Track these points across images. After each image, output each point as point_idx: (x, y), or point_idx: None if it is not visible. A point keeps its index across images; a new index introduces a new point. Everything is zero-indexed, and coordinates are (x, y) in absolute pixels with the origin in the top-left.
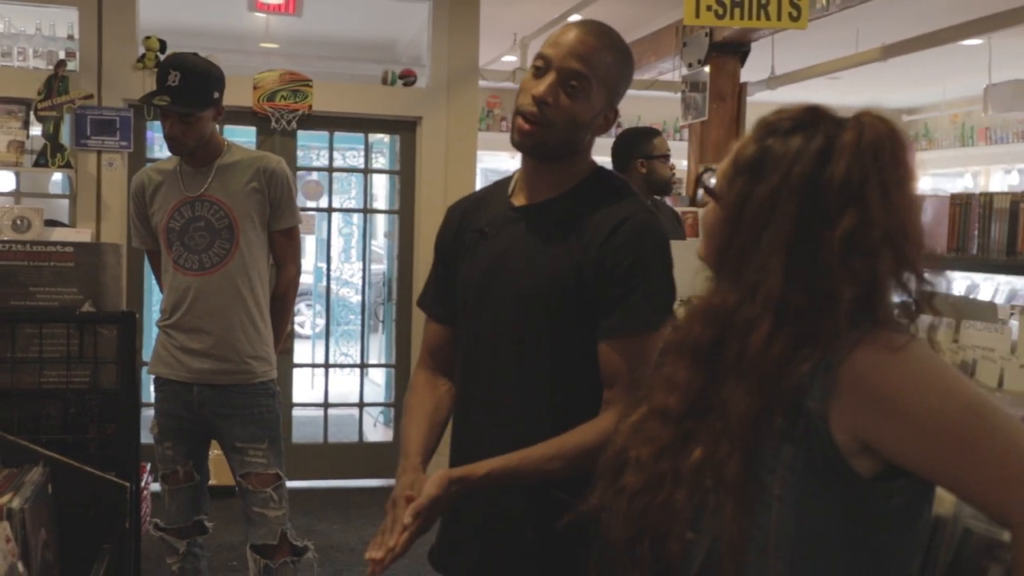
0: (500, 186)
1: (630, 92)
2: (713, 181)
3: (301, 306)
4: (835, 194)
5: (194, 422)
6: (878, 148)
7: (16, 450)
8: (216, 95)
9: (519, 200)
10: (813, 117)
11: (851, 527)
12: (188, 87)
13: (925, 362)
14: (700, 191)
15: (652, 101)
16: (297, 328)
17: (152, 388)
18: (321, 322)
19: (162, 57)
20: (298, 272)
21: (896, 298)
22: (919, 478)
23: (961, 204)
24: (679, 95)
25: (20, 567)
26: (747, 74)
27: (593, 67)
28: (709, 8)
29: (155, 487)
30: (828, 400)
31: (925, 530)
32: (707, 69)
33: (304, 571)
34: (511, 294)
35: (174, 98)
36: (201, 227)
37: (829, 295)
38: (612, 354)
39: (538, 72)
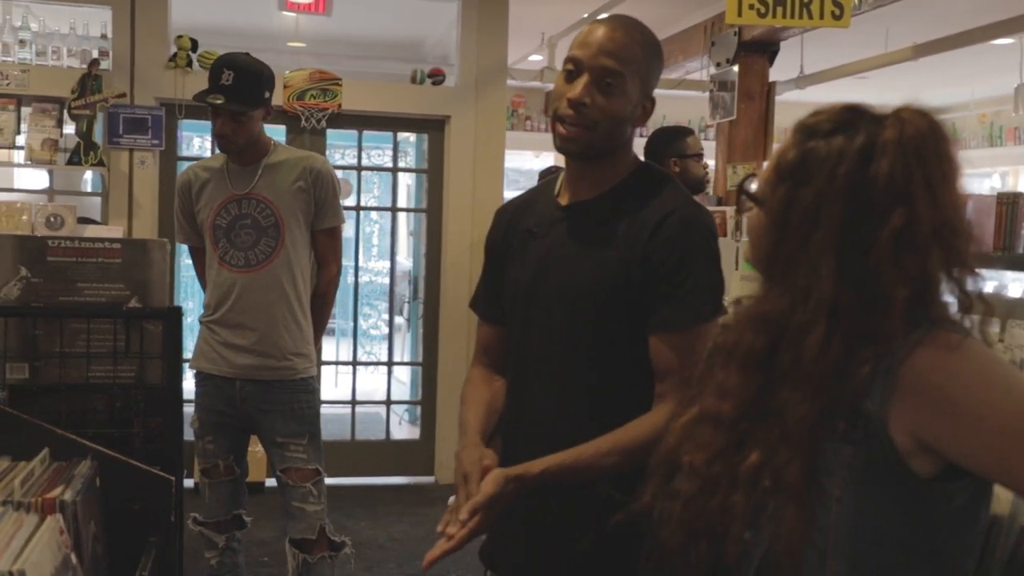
0: (547, 186)
1: (656, 91)
2: (755, 187)
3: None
4: (881, 193)
5: (235, 417)
6: (920, 143)
7: (65, 444)
8: (267, 95)
9: (565, 200)
10: (853, 116)
11: (911, 528)
12: (241, 86)
13: (983, 359)
14: (743, 197)
15: (677, 100)
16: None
17: (190, 383)
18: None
19: (194, 56)
20: (339, 271)
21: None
22: (979, 478)
23: (1008, 203)
24: (706, 94)
25: (73, 559)
26: (776, 73)
27: (625, 61)
28: (751, 7)
29: (188, 482)
30: (888, 402)
31: (982, 531)
32: (736, 68)
33: (341, 566)
34: (560, 293)
35: (227, 96)
36: (247, 224)
37: (882, 295)
38: (663, 348)
39: (570, 75)
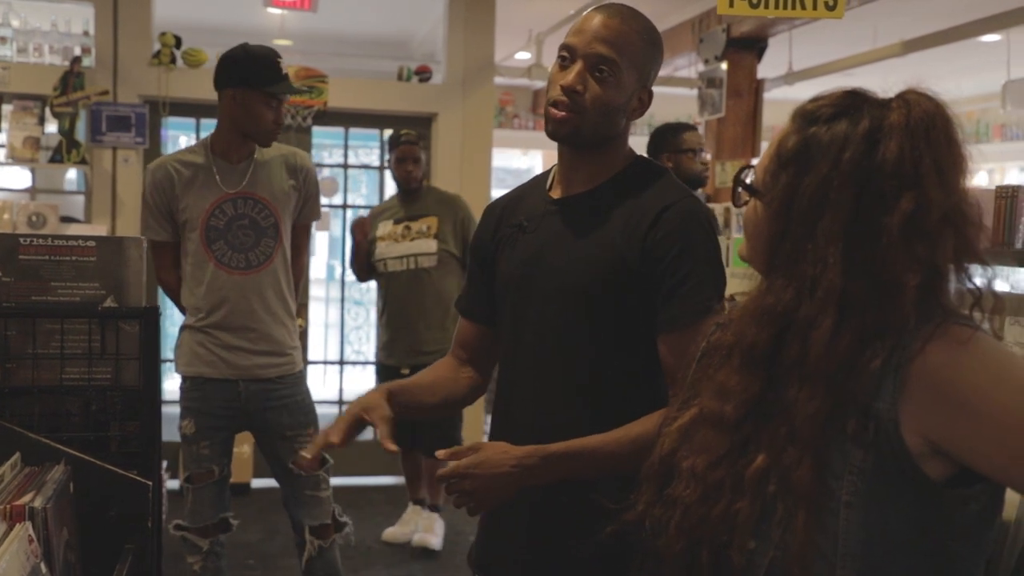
0: (538, 181)
1: None
2: (751, 179)
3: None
4: (889, 177)
5: (233, 419)
6: (929, 126)
7: (37, 448)
8: None
9: (557, 193)
10: (855, 101)
11: (924, 535)
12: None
13: (995, 355)
14: (739, 190)
15: (665, 97)
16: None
17: (168, 385)
18: (336, 319)
19: (178, 53)
20: (308, 260)
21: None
22: (993, 483)
23: (1007, 197)
24: (695, 91)
25: (43, 568)
26: (764, 70)
27: (620, 49)
28: None
29: (172, 484)
30: (898, 401)
31: (993, 538)
32: (724, 65)
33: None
34: (552, 286)
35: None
36: (246, 225)
37: (894, 284)
38: (673, 347)
39: (564, 62)
